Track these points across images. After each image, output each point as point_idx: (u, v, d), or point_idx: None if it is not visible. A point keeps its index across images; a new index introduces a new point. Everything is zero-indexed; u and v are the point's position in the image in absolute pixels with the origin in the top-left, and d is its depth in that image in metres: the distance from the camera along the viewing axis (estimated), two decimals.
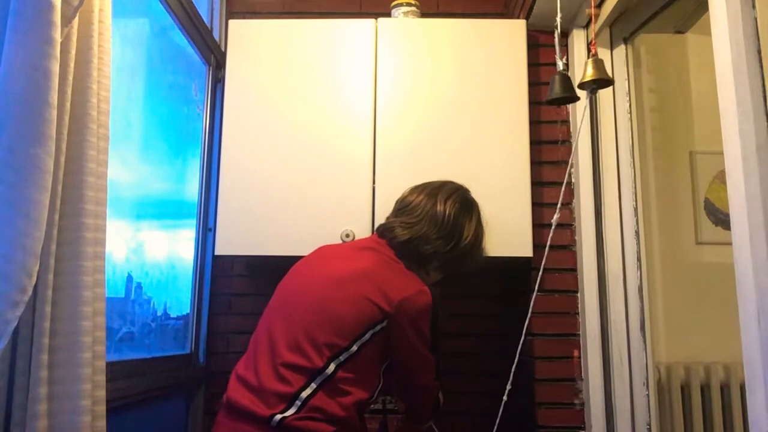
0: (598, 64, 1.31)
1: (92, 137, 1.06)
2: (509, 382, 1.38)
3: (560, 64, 1.36)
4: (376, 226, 1.76)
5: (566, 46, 1.90)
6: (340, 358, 1.24)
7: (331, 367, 1.23)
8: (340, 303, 1.28)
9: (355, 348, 1.25)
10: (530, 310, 1.46)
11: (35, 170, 0.89)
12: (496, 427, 1.42)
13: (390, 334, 1.29)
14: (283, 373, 1.22)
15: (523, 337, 1.43)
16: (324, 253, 1.47)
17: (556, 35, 1.39)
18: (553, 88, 1.36)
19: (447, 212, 1.44)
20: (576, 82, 1.36)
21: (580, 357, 1.76)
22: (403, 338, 1.31)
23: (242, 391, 1.25)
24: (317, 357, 1.23)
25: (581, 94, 1.39)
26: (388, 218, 1.51)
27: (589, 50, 1.84)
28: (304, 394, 1.20)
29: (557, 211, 1.38)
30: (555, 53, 1.38)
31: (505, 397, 1.38)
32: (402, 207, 1.49)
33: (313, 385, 1.21)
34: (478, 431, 1.97)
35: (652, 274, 2.01)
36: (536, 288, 1.46)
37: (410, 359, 1.35)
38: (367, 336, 1.27)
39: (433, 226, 1.42)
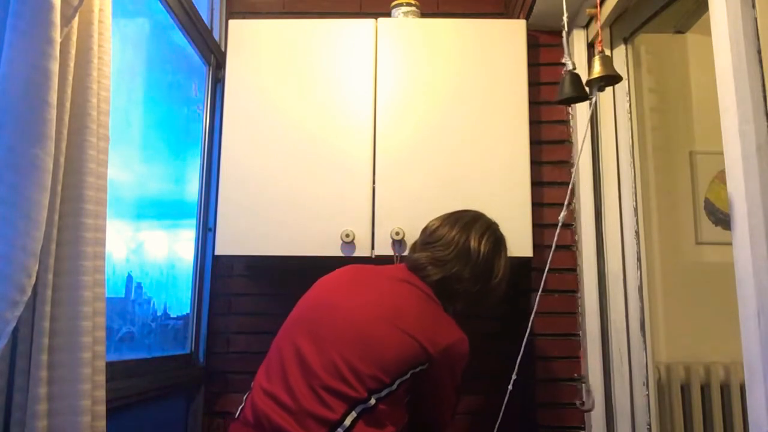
0: (606, 60, 1.28)
1: (92, 137, 1.06)
2: (515, 372, 1.39)
3: (570, 63, 1.32)
4: (375, 226, 1.76)
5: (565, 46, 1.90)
6: (381, 393, 1.23)
7: (372, 400, 1.21)
8: (387, 340, 1.26)
9: (395, 386, 1.24)
10: (534, 310, 1.46)
11: (35, 170, 0.89)
12: (499, 421, 1.43)
13: (426, 375, 1.29)
14: (324, 397, 1.20)
15: (527, 336, 1.43)
16: (357, 275, 1.41)
17: (564, 34, 1.36)
18: (563, 88, 1.32)
19: (481, 251, 1.40)
20: None
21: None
22: (438, 380, 1.32)
23: (275, 408, 1.21)
24: (361, 387, 1.21)
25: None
26: (414, 248, 1.48)
27: (591, 48, 1.84)
28: (347, 421, 1.18)
29: (564, 209, 1.36)
30: (564, 52, 1.33)
31: (510, 386, 1.38)
32: (432, 240, 1.43)
33: (354, 414, 1.19)
34: (478, 430, 1.97)
35: (652, 274, 2.01)
36: (541, 288, 1.46)
37: (438, 399, 1.35)
38: (408, 375, 1.26)
39: (465, 264, 1.38)
